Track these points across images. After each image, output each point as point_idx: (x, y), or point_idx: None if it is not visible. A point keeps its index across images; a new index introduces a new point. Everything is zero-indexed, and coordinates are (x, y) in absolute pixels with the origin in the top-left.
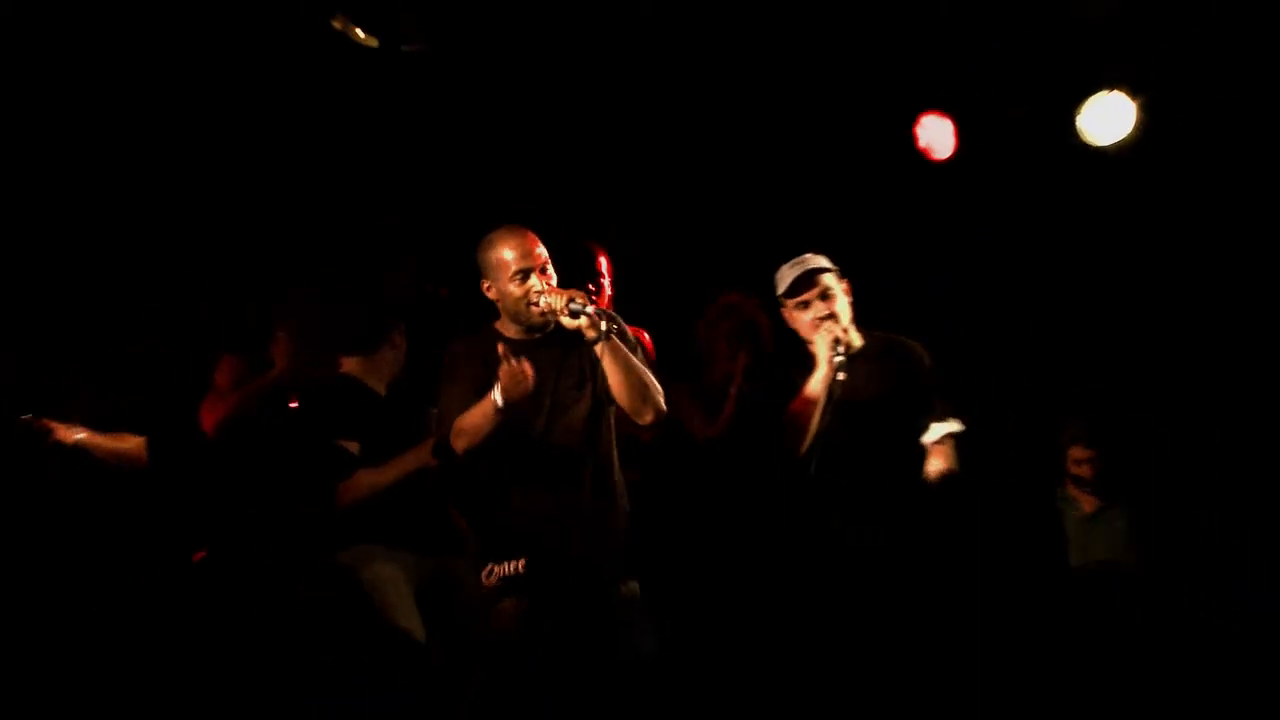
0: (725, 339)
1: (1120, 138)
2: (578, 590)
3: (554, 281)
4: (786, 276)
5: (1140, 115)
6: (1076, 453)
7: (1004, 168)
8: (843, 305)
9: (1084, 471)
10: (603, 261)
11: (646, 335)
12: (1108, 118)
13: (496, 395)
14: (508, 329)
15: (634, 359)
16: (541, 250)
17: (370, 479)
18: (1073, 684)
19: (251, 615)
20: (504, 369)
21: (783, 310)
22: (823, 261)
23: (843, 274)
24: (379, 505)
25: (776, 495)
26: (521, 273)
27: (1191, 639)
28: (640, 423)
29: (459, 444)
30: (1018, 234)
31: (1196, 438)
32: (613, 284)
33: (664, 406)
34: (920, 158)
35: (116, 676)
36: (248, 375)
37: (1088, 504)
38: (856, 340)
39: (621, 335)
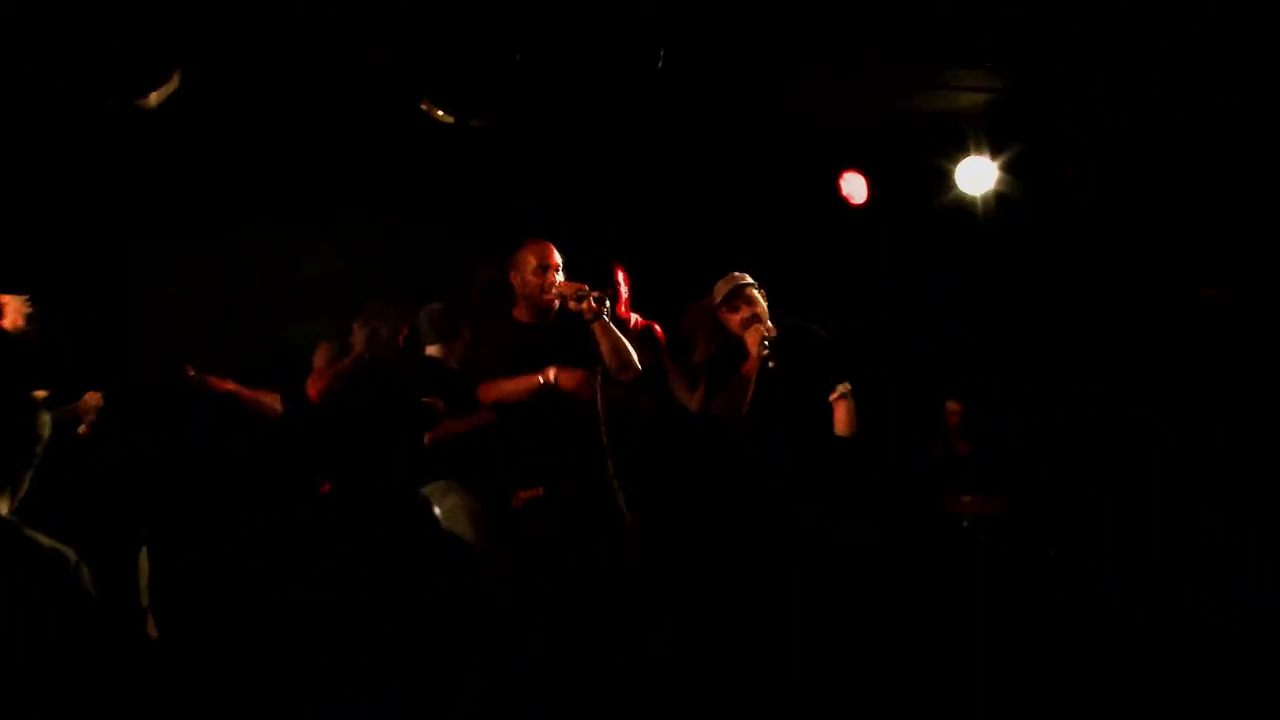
0: (703, 332)
1: (985, 191)
2: (578, 499)
3: (563, 278)
4: (722, 289)
5: (1000, 175)
6: (951, 405)
7: (905, 211)
8: (763, 308)
9: (954, 420)
10: (620, 275)
11: (658, 327)
12: (976, 175)
13: (550, 375)
14: (522, 314)
15: (618, 334)
16: (558, 257)
17: (451, 427)
18: (1072, 683)
19: (249, 617)
20: (575, 375)
21: (719, 312)
22: (748, 278)
23: (760, 286)
24: (455, 452)
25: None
26: (541, 267)
27: (1191, 639)
28: (622, 380)
29: (488, 395)
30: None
31: (1196, 438)
32: (629, 291)
33: (639, 368)
34: (843, 202)
35: (117, 675)
36: (337, 356)
37: (962, 448)
38: (772, 331)
39: (610, 317)
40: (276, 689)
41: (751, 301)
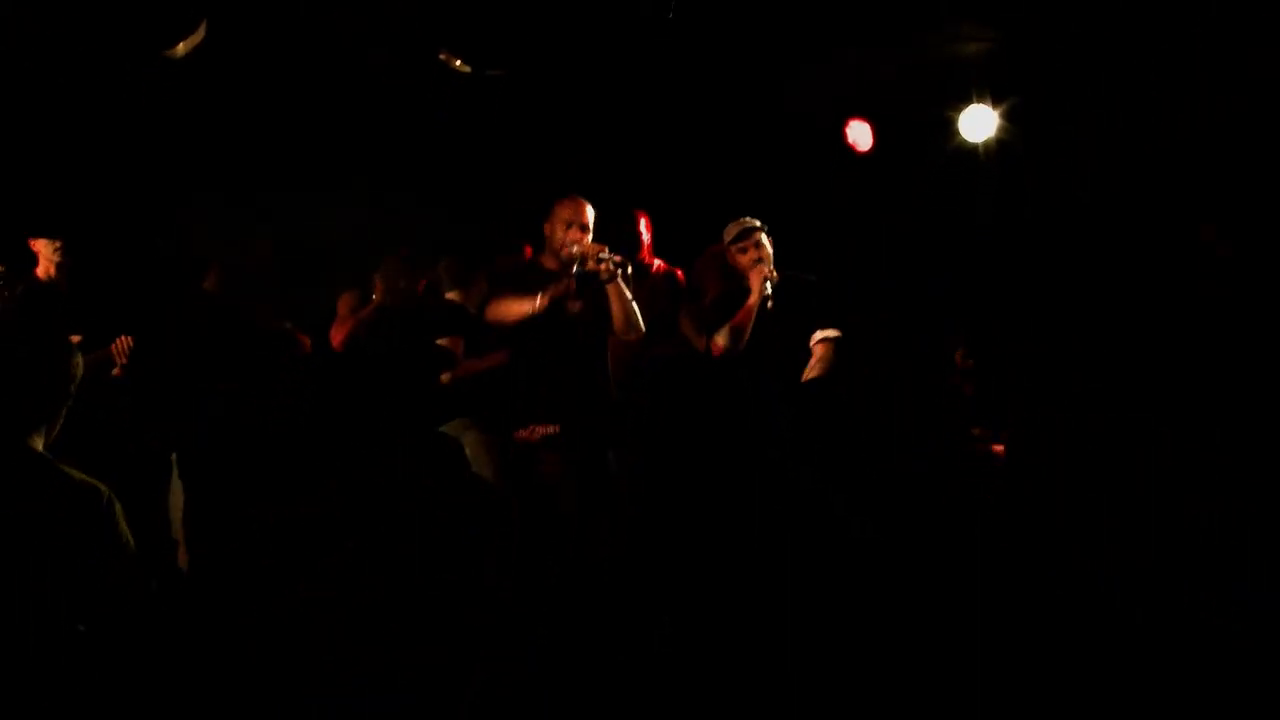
0: (713, 275)
1: (987, 138)
2: (586, 436)
3: (590, 239)
4: (732, 230)
5: (1001, 122)
6: (960, 354)
7: (909, 158)
8: (769, 252)
9: (968, 365)
10: (643, 222)
11: (680, 272)
12: (978, 123)
13: (540, 301)
14: (548, 262)
15: (629, 298)
16: (590, 217)
17: (470, 366)
18: (1072, 684)
19: (257, 615)
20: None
21: (728, 252)
22: (757, 222)
23: (769, 232)
24: (473, 391)
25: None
26: (568, 224)
27: (1191, 639)
28: (627, 340)
29: (492, 313)
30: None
31: (1196, 438)
32: (651, 237)
33: (643, 330)
34: (848, 150)
35: (114, 675)
36: (359, 304)
37: (969, 389)
38: (775, 276)
39: (625, 280)
40: (281, 686)
41: (759, 245)
